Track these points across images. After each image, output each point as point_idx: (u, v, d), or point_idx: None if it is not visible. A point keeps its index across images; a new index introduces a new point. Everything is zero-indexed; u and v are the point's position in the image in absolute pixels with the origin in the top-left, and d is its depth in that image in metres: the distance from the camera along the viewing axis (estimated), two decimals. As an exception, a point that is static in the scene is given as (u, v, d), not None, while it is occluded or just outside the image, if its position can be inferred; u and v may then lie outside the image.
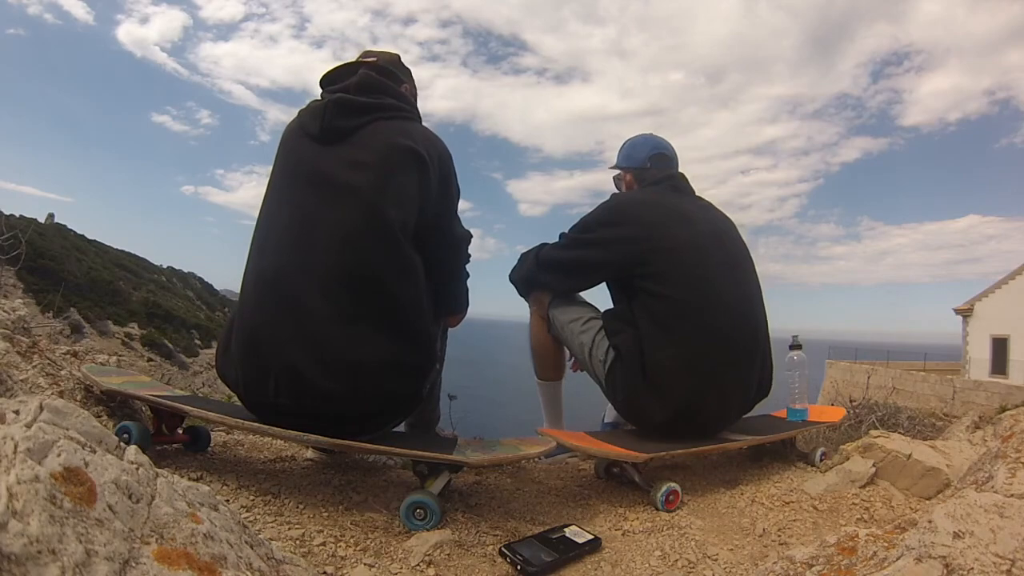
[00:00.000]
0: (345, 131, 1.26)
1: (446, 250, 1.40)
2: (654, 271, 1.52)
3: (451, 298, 1.49)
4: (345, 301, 1.16)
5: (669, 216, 1.59)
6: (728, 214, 1.76)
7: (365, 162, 1.22)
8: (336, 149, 1.25)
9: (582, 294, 1.80)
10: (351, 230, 1.18)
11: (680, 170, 1.80)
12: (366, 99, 1.30)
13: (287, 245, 1.20)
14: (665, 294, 1.50)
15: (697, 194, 1.77)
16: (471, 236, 1.47)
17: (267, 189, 1.31)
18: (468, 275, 1.53)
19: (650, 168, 1.78)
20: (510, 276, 1.87)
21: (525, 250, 1.84)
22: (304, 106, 1.37)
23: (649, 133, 1.88)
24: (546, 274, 1.74)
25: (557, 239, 1.73)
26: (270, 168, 1.34)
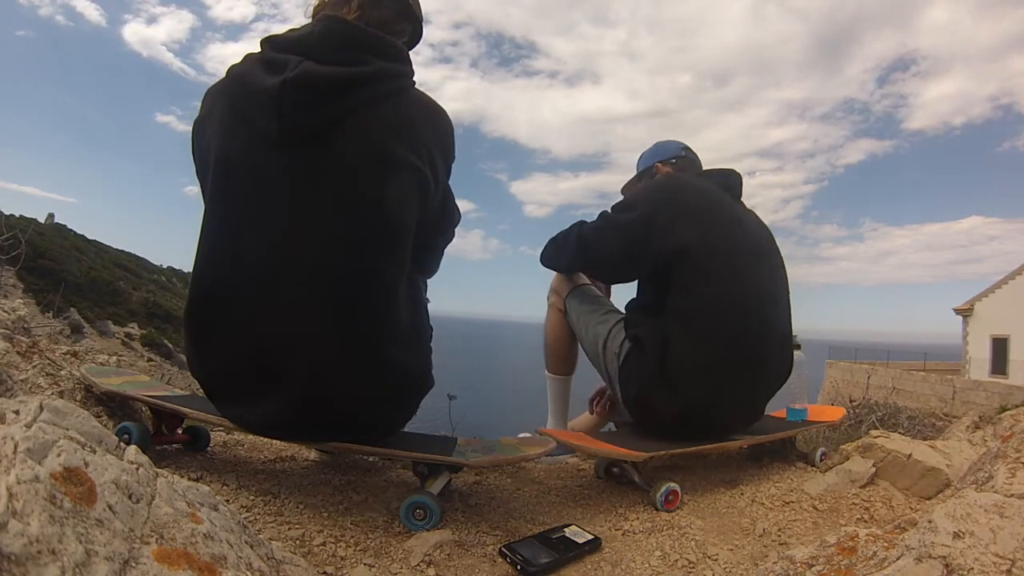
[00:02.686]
0: (316, 129, 0.94)
1: (433, 247, 1.24)
2: (695, 267, 1.45)
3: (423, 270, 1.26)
4: (334, 325, 1.03)
5: (722, 213, 1.54)
6: None
7: (350, 186, 0.97)
8: (303, 158, 0.96)
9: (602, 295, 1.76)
10: (338, 272, 1.00)
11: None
12: (342, 70, 0.95)
13: (262, 272, 1.00)
14: (701, 291, 1.45)
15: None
16: (460, 217, 1.28)
17: (210, 200, 1.03)
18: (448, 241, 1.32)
19: (686, 160, 1.74)
20: (543, 258, 1.76)
21: (552, 236, 1.74)
22: (234, 72, 1.02)
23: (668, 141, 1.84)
24: (587, 254, 1.60)
25: (596, 218, 1.62)
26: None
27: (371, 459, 1.52)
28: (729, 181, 1.65)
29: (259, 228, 1.00)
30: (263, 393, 1.06)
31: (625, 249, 1.53)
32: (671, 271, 1.48)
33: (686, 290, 1.46)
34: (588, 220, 1.64)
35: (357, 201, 0.99)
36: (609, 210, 1.61)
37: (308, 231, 0.99)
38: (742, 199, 1.71)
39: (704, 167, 1.80)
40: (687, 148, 1.78)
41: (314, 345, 1.03)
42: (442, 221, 1.21)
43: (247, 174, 0.99)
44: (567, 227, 1.70)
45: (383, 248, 1.03)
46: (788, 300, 1.65)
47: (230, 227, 1.02)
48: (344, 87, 0.95)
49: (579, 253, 1.63)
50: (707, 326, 1.45)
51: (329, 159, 0.97)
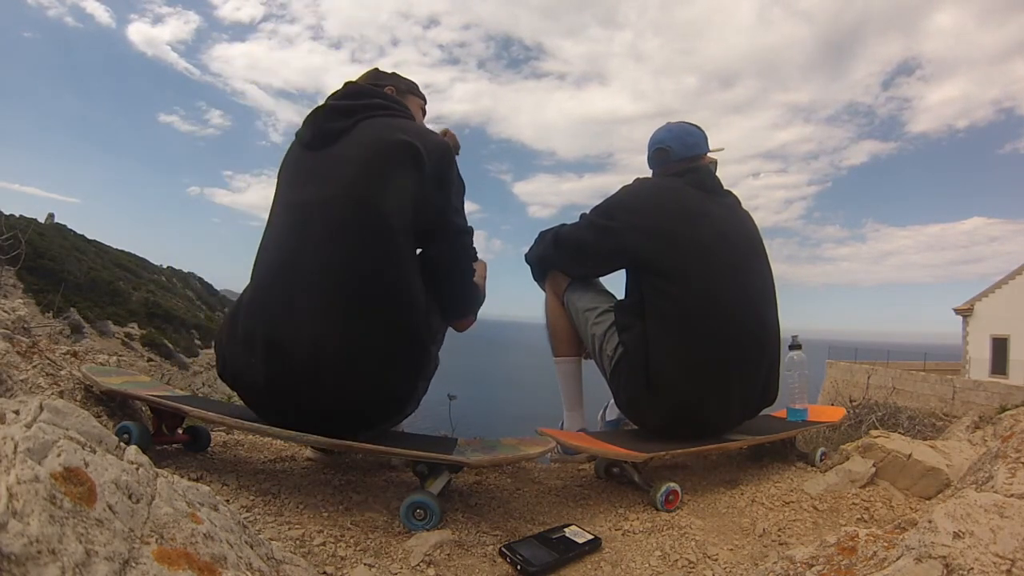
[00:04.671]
0: (336, 133, 1.28)
1: (444, 245, 1.35)
2: (665, 268, 1.49)
3: (454, 300, 1.43)
4: (337, 295, 1.16)
5: (682, 212, 1.55)
6: None
7: (354, 157, 1.23)
8: (328, 151, 1.27)
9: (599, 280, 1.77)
10: (341, 224, 1.18)
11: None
12: (352, 102, 1.33)
13: (282, 246, 1.22)
14: (673, 293, 1.48)
15: (726, 189, 1.70)
16: (472, 230, 1.42)
17: (272, 204, 1.33)
18: (472, 273, 1.47)
19: (660, 154, 1.73)
20: (526, 256, 1.86)
21: (544, 229, 1.82)
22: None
23: (679, 121, 1.80)
24: (562, 256, 1.72)
25: (578, 219, 1.69)
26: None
27: (361, 456, 1.52)
28: (700, 176, 1.65)
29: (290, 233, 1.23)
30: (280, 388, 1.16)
31: (596, 252, 1.63)
32: (644, 275, 1.54)
33: (658, 290, 1.50)
34: (568, 223, 1.74)
35: (352, 193, 1.19)
36: (587, 212, 1.68)
37: (315, 230, 1.18)
38: (732, 192, 1.71)
39: (715, 166, 1.77)
40: (663, 141, 1.74)
41: (316, 339, 1.14)
42: (439, 221, 1.31)
43: (292, 168, 1.31)
44: (551, 227, 1.80)
45: (377, 241, 1.18)
46: (772, 294, 1.65)
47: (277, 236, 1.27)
48: (351, 110, 1.31)
49: (556, 255, 1.74)
50: (681, 324, 1.47)
51: (342, 148, 1.25)
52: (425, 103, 1.58)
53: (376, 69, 1.54)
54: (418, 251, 1.30)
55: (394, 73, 1.55)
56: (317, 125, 1.30)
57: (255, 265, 1.26)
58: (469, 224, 1.41)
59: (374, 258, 1.18)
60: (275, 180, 1.34)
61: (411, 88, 1.55)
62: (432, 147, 1.28)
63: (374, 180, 1.20)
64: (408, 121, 1.36)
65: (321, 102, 1.38)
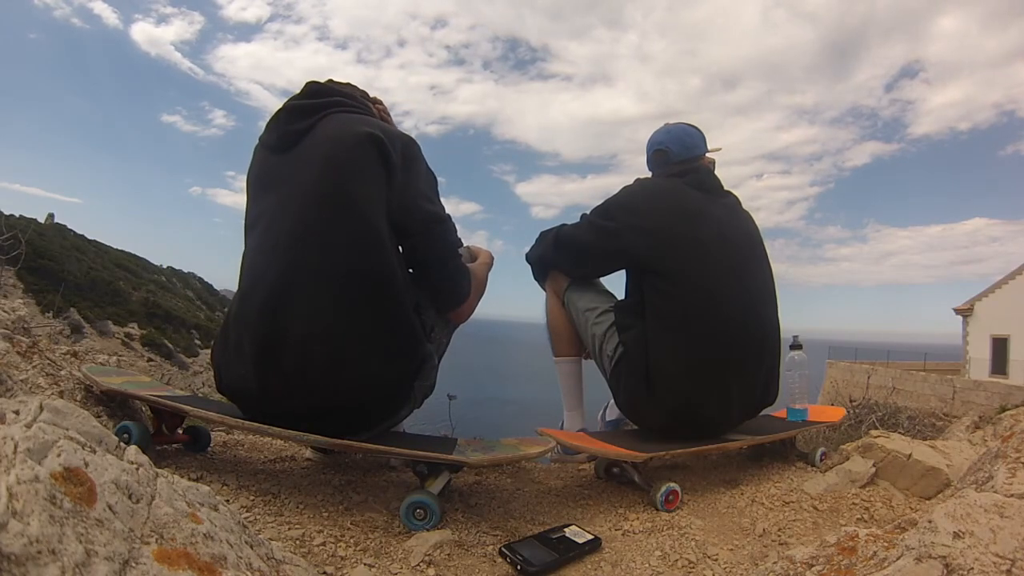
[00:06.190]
0: (299, 133, 1.28)
1: (422, 234, 1.31)
2: (665, 268, 1.49)
3: (442, 289, 1.41)
4: (321, 292, 1.15)
5: (682, 213, 1.55)
6: None
7: (320, 154, 1.22)
8: (293, 151, 1.26)
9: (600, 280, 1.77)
10: (316, 221, 1.17)
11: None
12: (312, 100, 1.33)
13: (262, 251, 1.21)
14: (673, 293, 1.48)
15: (726, 190, 1.70)
16: (449, 217, 1.37)
17: (245, 213, 1.32)
18: (457, 258, 1.44)
19: (659, 155, 1.73)
20: (527, 256, 1.86)
21: (545, 230, 1.82)
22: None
23: (676, 123, 1.80)
24: (563, 256, 1.73)
25: (579, 219, 1.69)
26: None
27: (361, 456, 1.52)
28: (700, 177, 1.64)
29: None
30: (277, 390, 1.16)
31: (596, 253, 1.63)
32: (644, 275, 1.53)
33: (658, 290, 1.50)
34: (568, 223, 1.74)
35: (323, 189, 1.19)
36: (588, 213, 1.68)
37: (291, 231, 1.18)
38: (733, 193, 1.71)
39: (715, 170, 1.76)
40: (662, 143, 1.73)
41: (305, 339, 1.14)
42: (409, 208, 1.28)
43: (260, 172, 1.31)
44: (552, 227, 1.79)
45: (355, 234, 1.18)
46: (773, 294, 1.65)
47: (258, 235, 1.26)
48: (312, 109, 1.31)
49: (556, 255, 1.75)
50: (681, 325, 1.47)
51: (308, 146, 1.25)
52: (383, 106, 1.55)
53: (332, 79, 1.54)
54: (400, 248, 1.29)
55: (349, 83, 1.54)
56: (280, 127, 1.29)
57: (240, 275, 1.25)
58: (446, 212, 1.37)
59: (355, 251, 1.17)
60: None
61: (366, 95, 1.54)
62: (395, 137, 1.27)
63: (343, 174, 1.20)
64: (368, 116, 1.36)
65: None
